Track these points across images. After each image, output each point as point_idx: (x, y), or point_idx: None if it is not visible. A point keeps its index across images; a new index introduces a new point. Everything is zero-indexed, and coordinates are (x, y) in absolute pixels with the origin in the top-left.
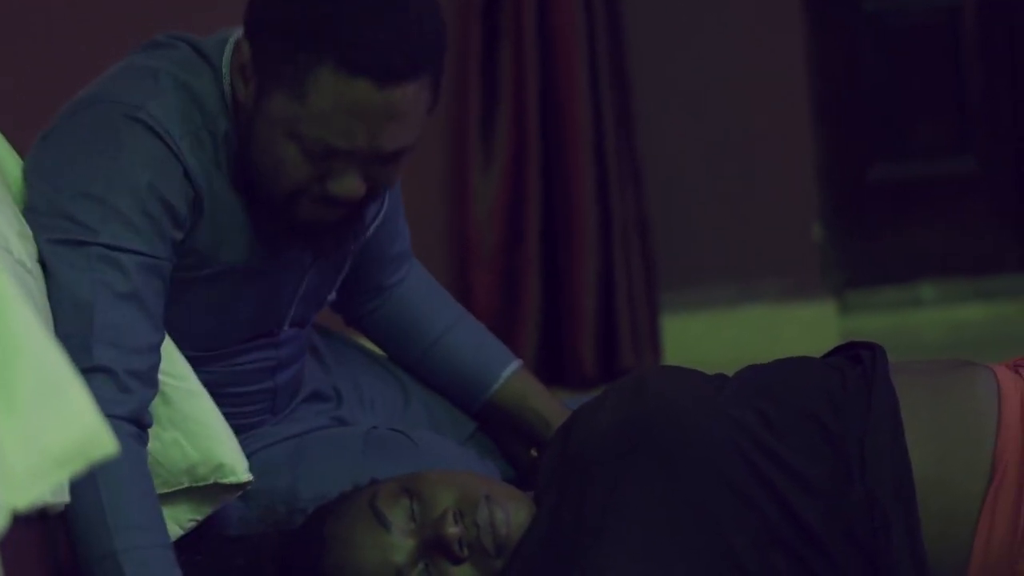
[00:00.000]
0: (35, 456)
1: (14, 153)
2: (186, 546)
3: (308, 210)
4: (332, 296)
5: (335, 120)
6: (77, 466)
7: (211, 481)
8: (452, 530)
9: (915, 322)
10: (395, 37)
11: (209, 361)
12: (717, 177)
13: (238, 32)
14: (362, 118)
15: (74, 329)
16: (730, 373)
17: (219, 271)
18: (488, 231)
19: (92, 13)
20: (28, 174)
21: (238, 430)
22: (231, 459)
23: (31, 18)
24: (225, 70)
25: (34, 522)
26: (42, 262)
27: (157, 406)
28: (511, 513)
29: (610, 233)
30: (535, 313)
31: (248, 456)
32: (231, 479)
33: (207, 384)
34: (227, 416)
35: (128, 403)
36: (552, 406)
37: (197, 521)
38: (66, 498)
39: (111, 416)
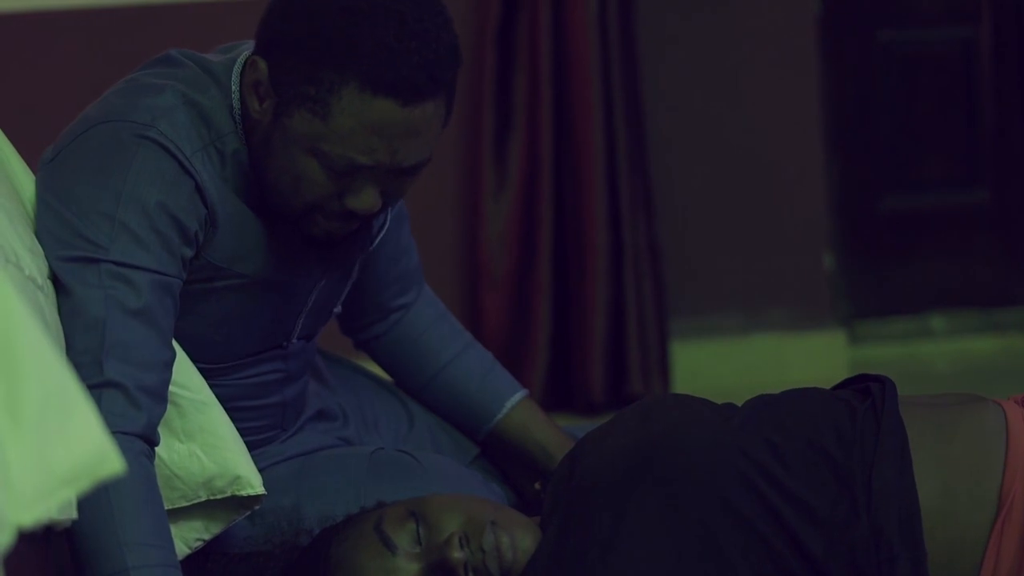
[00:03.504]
0: (41, 474)
1: (29, 171)
2: (191, 565)
3: (323, 225)
4: (338, 309)
5: (358, 138)
6: (84, 484)
7: (228, 494)
8: (457, 555)
9: (925, 353)
10: (417, 56)
11: (221, 373)
12: (729, 205)
13: (245, 48)
14: (384, 135)
15: (86, 345)
16: (739, 401)
17: (233, 283)
18: (500, 255)
19: (92, 31)
20: (39, 193)
21: (249, 447)
22: (247, 471)
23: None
24: (234, 87)
25: (39, 538)
26: (54, 279)
27: (172, 418)
28: (517, 538)
29: (621, 259)
30: (545, 337)
31: None
32: (248, 491)
33: (219, 398)
34: (239, 432)
35: (139, 419)
36: (556, 438)
37: (204, 541)
38: (73, 515)
39: (122, 432)
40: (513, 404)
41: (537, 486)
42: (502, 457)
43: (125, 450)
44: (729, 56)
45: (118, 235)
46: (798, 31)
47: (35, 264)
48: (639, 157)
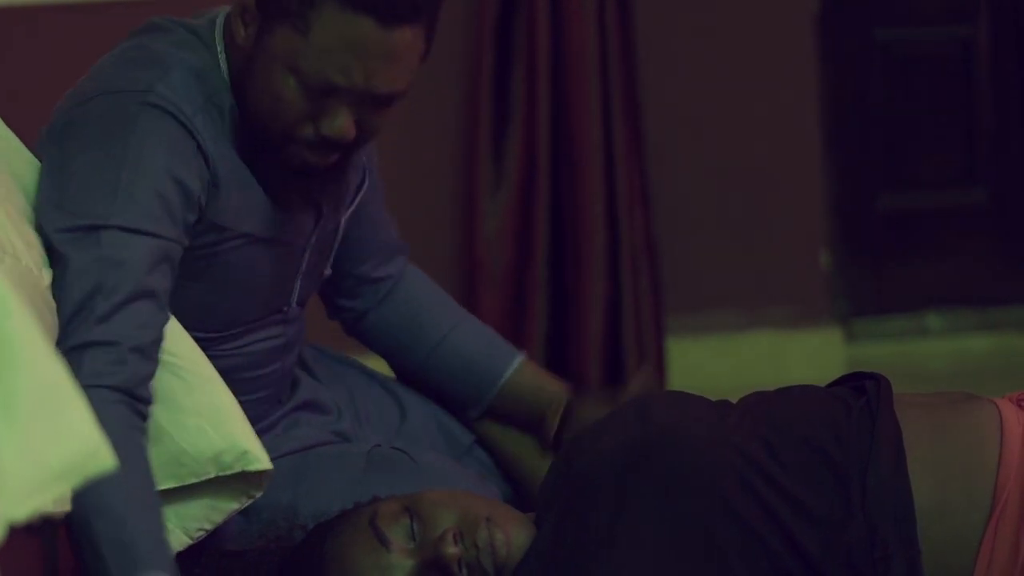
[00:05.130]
0: (34, 469)
1: (31, 158)
2: (185, 559)
3: (300, 154)
4: (328, 271)
5: (335, 56)
6: (75, 480)
7: (237, 469)
8: (452, 550)
9: (921, 352)
10: None
11: (227, 340)
12: (726, 202)
13: (223, 9)
14: (361, 56)
15: (80, 304)
16: (735, 399)
17: (236, 244)
18: (497, 252)
19: (89, 24)
20: (40, 175)
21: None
22: (254, 446)
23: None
24: (219, 47)
25: (34, 530)
26: (51, 259)
27: (180, 394)
28: (512, 535)
29: (618, 256)
30: (542, 334)
31: None
32: (256, 466)
33: (223, 370)
34: (240, 404)
35: (120, 374)
36: (564, 390)
37: (205, 531)
38: (67, 507)
39: (101, 386)
40: (520, 362)
41: (555, 418)
42: (512, 413)
43: (100, 400)
44: (727, 54)
45: (122, 201)
46: (796, 29)
47: (31, 255)
48: (636, 154)
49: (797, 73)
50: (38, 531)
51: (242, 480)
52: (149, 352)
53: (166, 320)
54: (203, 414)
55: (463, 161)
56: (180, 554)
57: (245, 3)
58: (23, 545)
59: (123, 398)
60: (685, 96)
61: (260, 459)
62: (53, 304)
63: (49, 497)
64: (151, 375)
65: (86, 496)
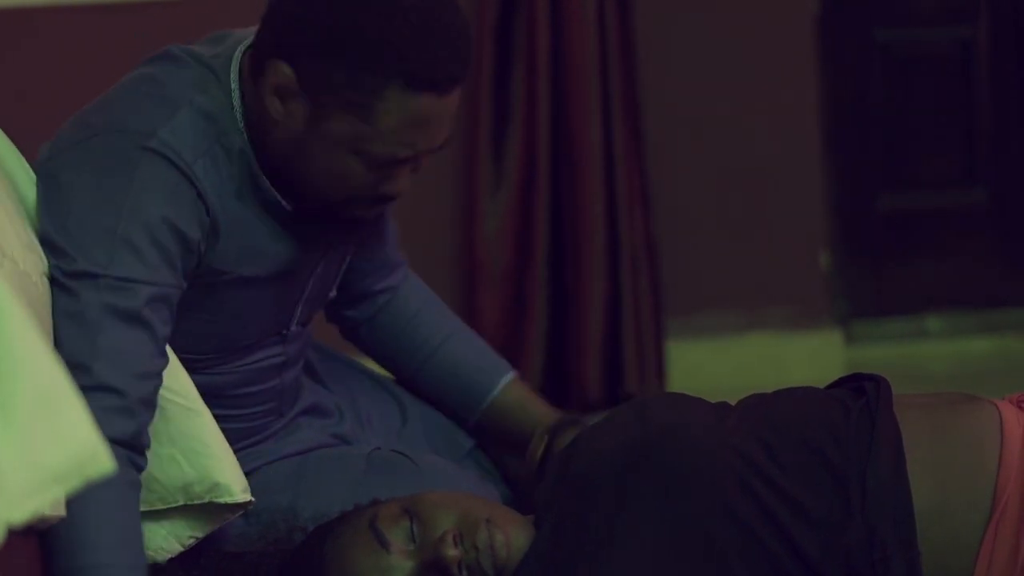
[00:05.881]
0: (32, 471)
1: (28, 167)
2: (185, 560)
3: (356, 211)
4: (333, 293)
5: (401, 134)
6: (74, 483)
7: (206, 500)
8: (452, 552)
9: (921, 354)
10: (448, 47)
11: (222, 362)
12: (726, 204)
13: (237, 40)
14: (425, 127)
15: (77, 349)
16: (734, 401)
17: (236, 282)
18: (496, 253)
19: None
20: (39, 200)
21: (245, 434)
22: (228, 478)
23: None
24: (234, 86)
25: (30, 534)
26: (51, 281)
27: (156, 422)
28: (511, 536)
29: (618, 257)
30: (541, 335)
31: (249, 473)
32: (226, 499)
33: (219, 386)
34: (237, 418)
35: (127, 426)
36: (550, 413)
37: (197, 538)
38: (62, 512)
39: (107, 438)
40: (506, 383)
41: (541, 444)
42: (496, 435)
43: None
44: (727, 54)
45: (118, 250)
46: (796, 30)
47: (30, 260)
48: (636, 155)
49: (797, 73)
50: (35, 533)
51: (216, 507)
52: (149, 399)
53: (164, 365)
54: (177, 444)
55: (463, 161)
56: (179, 555)
57: (283, 82)
58: (20, 546)
59: (128, 454)
60: (685, 96)
61: (232, 492)
62: (50, 315)
63: (48, 499)
64: (150, 421)
65: (59, 545)
